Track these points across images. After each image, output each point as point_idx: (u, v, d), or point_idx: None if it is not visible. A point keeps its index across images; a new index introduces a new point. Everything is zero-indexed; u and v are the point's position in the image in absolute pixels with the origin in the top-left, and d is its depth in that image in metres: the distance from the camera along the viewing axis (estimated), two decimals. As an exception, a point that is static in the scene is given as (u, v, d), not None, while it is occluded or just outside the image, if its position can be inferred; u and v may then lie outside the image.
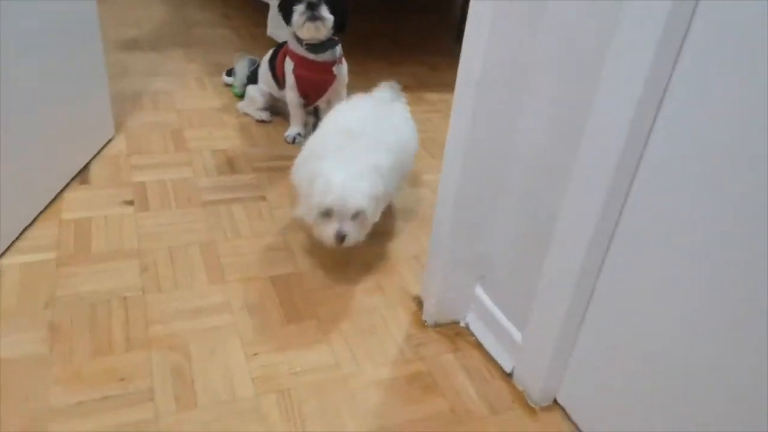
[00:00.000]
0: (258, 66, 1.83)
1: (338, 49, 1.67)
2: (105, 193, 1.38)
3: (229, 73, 1.99)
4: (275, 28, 1.99)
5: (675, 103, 0.70)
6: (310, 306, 1.15)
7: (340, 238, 1.11)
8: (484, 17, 0.86)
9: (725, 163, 0.66)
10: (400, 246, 1.35)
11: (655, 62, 0.68)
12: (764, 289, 0.64)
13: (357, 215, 1.11)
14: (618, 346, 0.85)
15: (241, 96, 1.88)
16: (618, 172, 0.76)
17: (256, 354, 1.02)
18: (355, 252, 1.30)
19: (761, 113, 0.61)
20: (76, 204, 1.33)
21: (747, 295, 0.66)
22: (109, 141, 1.57)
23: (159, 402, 0.92)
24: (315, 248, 1.30)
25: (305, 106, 1.73)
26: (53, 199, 1.33)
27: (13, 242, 1.20)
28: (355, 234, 1.12)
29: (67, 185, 1.38)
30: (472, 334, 1.12)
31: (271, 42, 2.04)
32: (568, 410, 0.97)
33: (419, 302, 1.17)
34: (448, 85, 0.99)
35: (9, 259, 1.16)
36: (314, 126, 1.70)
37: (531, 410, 0.98)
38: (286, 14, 1.58)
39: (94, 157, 1.50)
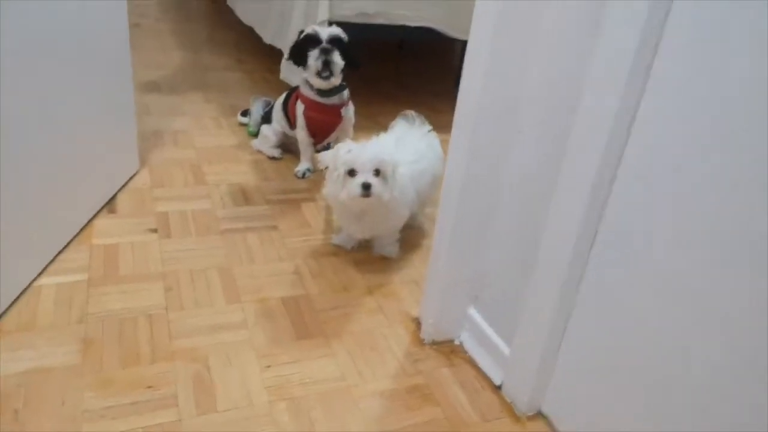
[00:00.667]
0: (272, 107, 1.98)
1: (346, 93, 1.82)
2: (131, 221, 1.51)
3: (244, 113, 2.15)
4: (288, 72, 2.15)
5: (643, 131, 0.81)
6: (317, 324, 1.25)
7: (366, 187, 1.26)
8: (480, 60, 0.98)
9: (692, 180, 0.76)
10: (401, 273, 1.46)
11: (624, 95, 0.80)
12: (741, 302, 0.72)
13: (378, 172, 1.27)
14: (598, 360, 0.95)
15: (255, 135, 2.02)
16: (593, 192, 0.87)
17: (269, 366, 1.13)
18: (360, 278, 1.42)
19: (722, 138, 0.73)
20: (105, 231, 1.46)
21: (723, 305, 0.74)
22: (135, 174, 1.71)
23: (182, 407, 1.02)
24: (323, 273, 1.41)
25: (314, 144, 1.88)
26: (84, 226, 1.45)
27: (48, 264, 1.32)
28: (379, 186, 1.27)
29: (96, 214, 1.51)
30: (466, 351, 1.22)
31: (281, 84, 2.20)
32: (551, 419, 1.07)
33: (418, 323, 1.28)
34: (448, 126, 1.12)
35: (44, 280, 1.28)
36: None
37: (518, 419, 1.08)
38: (300, 59, 1.73)
39: (121, 188, 1.63)
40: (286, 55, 2.15)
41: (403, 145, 1.43)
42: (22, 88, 1.15)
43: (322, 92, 1.77)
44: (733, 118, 0.71)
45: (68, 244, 1.39)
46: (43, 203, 1.27)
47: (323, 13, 1.95)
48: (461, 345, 1.23)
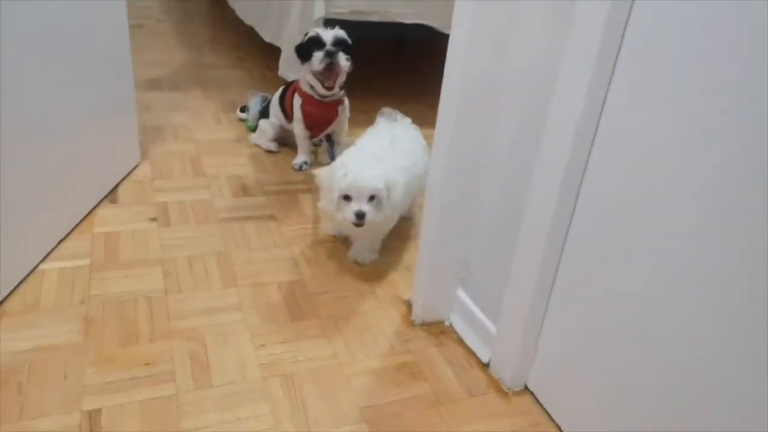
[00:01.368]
0: (269, 102, 2.03)
1: (342, 90, 1.86)
2: (132, 210, 1.55)
3: (243, 109, 2.19)
4: (286, 69, 2.19)
5: (613, 112, 0.86)
6: (312, 307, 1.29)
7: (359, 215, 1.27)
8: (461, 45, 1.03)
9: (664, 157, 0.79)
10: (395, 260, 1.50)
11: (592, 80, 0.84)
12: (721, 282, 0.75)
13: (373, 198, 1.28)
14: (579, 336, 0.99)
15: (253, 129, 2.07)
16: (568, 174, 0.91)
17: (263, 345, 1.17)
18: (354, 265, 1.46)
19: (691, 117, 0.77)
20: (107, 220, 1.50)
21: (701, 284, 0.76)
22: (136, 166, 1.76)
23: (179, 381, 1.06)
24: (318, 259, 1.46)
25: (311, 137, 1.92)
26: (86, 216, 1.50)
27: (52, 251, 1.36)
28: (372, 214, 1.29)
29: (98, 204, 1.55)
30: (455, 332, 1.26)
31: (280, 81, 2.24)
32: (537, 394, 1.10)
33: (409, 305, 1.32)
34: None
35: (48, 265, 1.32)
36: (328, 140, 1.92)
37: (504, 394, 1.11)
38: (305, 57, 1.77)
39: (123, 180, 1.68)
40: (284, 52, 2.21)
41: (397, 148, 1.43)
42: (29, 85, 1.20)
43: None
44: (706, 94, 0.74)
45: (71, 232, 1.43)
46: (47, 193, 1.32)
47: (319, 11, 1.99)
48: (451, 326, 1.27)
